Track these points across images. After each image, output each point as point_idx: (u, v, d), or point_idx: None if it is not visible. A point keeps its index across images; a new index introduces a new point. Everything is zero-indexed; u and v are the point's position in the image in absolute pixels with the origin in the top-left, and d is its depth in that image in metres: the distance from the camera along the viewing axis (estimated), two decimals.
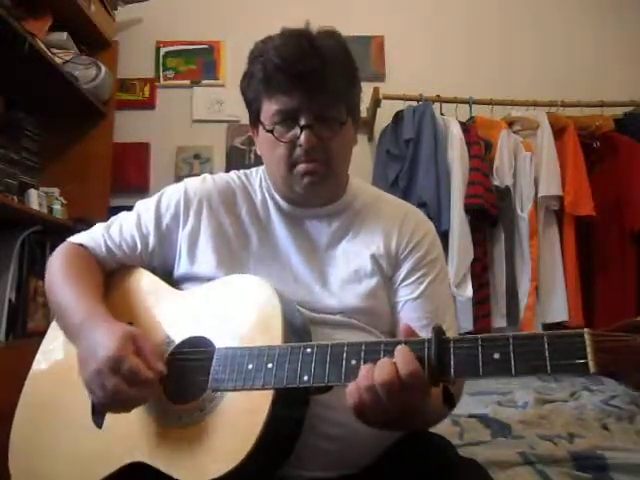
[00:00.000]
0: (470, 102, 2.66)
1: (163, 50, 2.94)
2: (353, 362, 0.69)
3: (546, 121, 2.61)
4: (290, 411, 0.76)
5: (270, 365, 0.74)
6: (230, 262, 0.94)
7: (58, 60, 2.22)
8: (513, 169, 2.56)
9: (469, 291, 2.35)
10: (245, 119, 1.04)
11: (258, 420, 0.71)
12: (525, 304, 2.47)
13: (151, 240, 0.99)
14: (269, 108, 0.91)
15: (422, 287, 0.94)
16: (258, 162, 1.04)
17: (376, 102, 2.66)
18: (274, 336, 0.77)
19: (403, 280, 0.95)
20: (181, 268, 0.97)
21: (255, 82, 0.92)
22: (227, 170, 1.08)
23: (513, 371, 0.61)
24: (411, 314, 0.93)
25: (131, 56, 2.85)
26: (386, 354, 0.68)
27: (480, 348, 0.63)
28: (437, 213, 2.41)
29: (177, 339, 0.87)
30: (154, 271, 1.00)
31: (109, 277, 1.01)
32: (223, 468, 0.71)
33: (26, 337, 1.95)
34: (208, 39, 2.94)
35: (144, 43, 2.92)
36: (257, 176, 1.04)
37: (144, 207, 1.02)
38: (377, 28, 2.94)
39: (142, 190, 2.71)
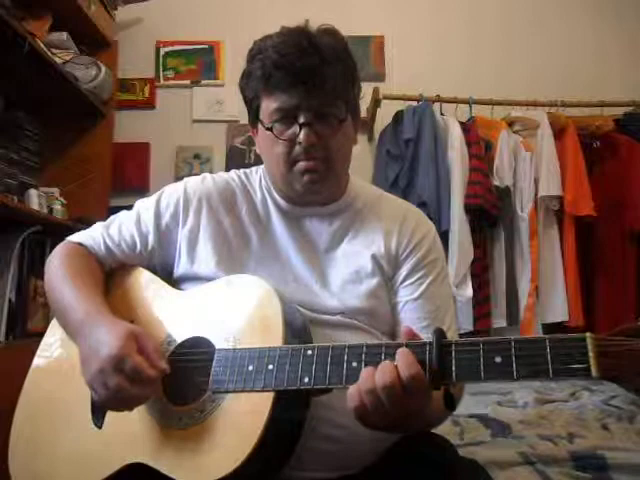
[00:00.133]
0: (470, 102, 2.65)
1: (163, 50, 2.94)
2: (354, 364, 0.69)
3: (546, 121, 2.61)
4: (291, 412, 0.75)
5: (271, 367, 0.74)
6: (230, 262, 0.93)
7: (58, 60, 2.22)
8: (513, 169, 2.56)
9: (469, 291, 2.35)
10: (245, 119, 1.04)
11: (259, 421, 0.71)
12: (525, 304, 2.47)
13: (150, 239, 0.99)
14: (268, 106, 0.91)
15: (422, 288, 0.94)
16: (258, 162, 1.03)
17: (376, 102, 2.66)
18: (274, 337, 0.77)
19: (403, 280, 0.95)
20: (181, 268, 0.97)
21: (254, 80, 0.91)
22: (227, 170, 1.07)
23: (515, 375, 0.61)
24: (411, 315, 0.93)
25: (131, 56, 2.85)
26: (387, 356, 0.68)
27: (482, 352, 0.63)
28: (437, 213, 2.42)
29: (177, 339, 0.87)
30: (154, 271, 1.00)
31: (109, 277, 1.00)
32: (224, 469, 0.71)
33: (26, 337, 1.95)
34: (208, 39, 2.94)
35: (144, 43, 2.91)
36: (257, 175, 1.04)
37: (144, 206, 1.02)
38: (377, 28, 2.94)
39: (142, 190, 2.70)
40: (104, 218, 1.05)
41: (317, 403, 0.77)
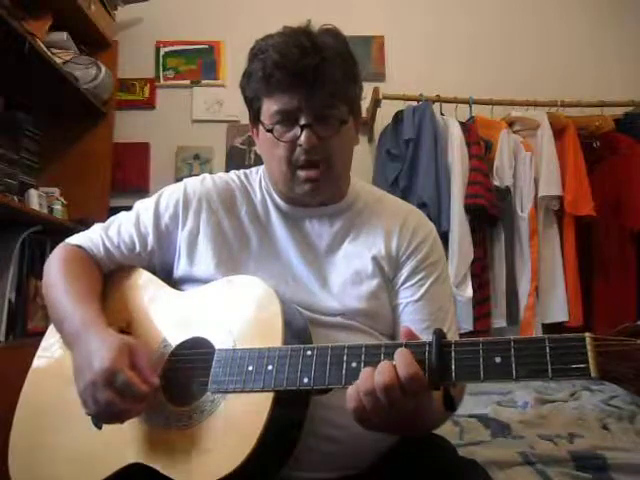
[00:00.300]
0: (470, 102, 2.65)
1: (163, 50, 2.93)
2: (354, 365, 0.69)
3: (546, 121, 2.61)
4: (291, 412, 0.75)
5: (270, 367, 0.74)
6: (230, 263, 0.93)
7: (58, 60, 2.22)
8: (513, 169, 2.56)
9: (469, 291, 2.35)
10: (245, 119, 1.03)
11: (259, 421, 0.71)
12: (525, 304, 2.47)
13: (150, 240, 0.98)
14: (269, 107, 0.90)
15: (423, 289, 0.94)
16: (258, 162, 1.03)
17: (376, 102, 2.66)
18: (274, 337, 0.77)
19: (404, 282, 0.95)
20: (180, 269, 0.97)
21: (255, 80, 0.91)
22: (227, 170, 1.07)
23: (514, 375, 0.61)
24: (412, 316, 0.92)
25: (131, 56, 2.85)
26: (386, 357, 0.68)
27: (481, 352, 0.63)
28: (437, 213, 2.41)
29: (177, 340, 0.87)
30: (154, 271, 0.99)
31: (108, 277, 1.00)
32: (224, 469, 0.71)
33: (26, 337, 1.95)
34: (208, 39, 2.93)
35: (144, 43, 2.91)
36: (257, 176, 1.04)
37: (143, 207, 1.02)
38: (377, 28, 2.93)
39: (142, 190, 2.70)
40: (104, 218, 1.05)
41: (317, 403, 0.77)
